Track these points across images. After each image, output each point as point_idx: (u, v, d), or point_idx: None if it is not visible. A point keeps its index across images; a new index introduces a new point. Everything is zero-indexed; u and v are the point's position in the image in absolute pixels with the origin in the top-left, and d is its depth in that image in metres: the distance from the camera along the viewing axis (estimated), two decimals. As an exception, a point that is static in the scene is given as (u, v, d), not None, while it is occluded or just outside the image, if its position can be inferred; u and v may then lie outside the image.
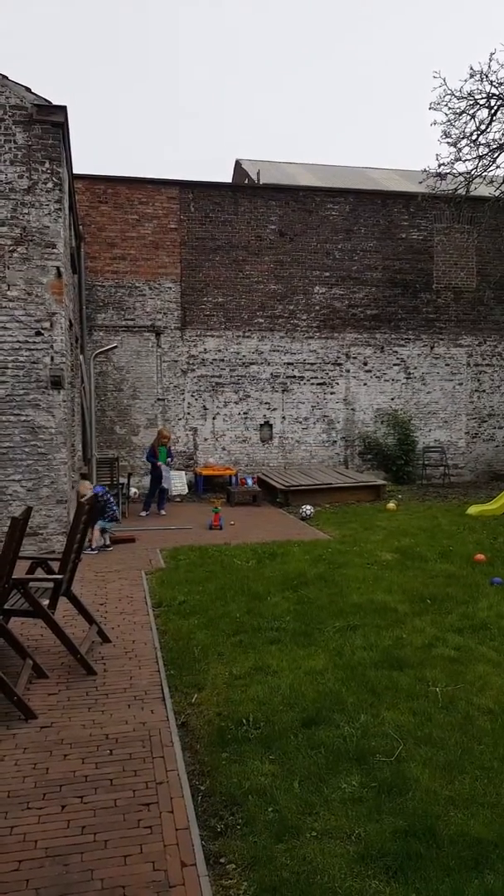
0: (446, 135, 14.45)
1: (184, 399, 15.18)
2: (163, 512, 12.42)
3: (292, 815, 3.38)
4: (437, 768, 3.79)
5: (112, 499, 10.07)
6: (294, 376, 15.72)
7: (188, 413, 15.22)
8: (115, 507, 9.91)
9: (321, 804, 3.48)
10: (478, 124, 14.22)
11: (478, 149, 14.40)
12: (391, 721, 4.31)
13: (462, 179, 14.56)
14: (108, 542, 9.55)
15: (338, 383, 15.98)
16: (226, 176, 22.00)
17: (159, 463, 12.28)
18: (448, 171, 14.46)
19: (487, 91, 13.85)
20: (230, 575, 7.92)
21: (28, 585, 5.22)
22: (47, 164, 8.92)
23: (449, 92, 14.02)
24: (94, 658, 5.41)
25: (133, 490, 13.76)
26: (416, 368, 16.46)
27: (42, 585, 5.69)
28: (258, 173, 16.98)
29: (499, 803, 3.47)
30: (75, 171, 12.07)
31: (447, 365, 16.66)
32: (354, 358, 16.04)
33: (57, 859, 3.06)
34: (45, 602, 5.35)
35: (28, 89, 8.87)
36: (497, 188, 14.77)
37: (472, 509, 12.07)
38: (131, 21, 62.97)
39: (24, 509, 5.42)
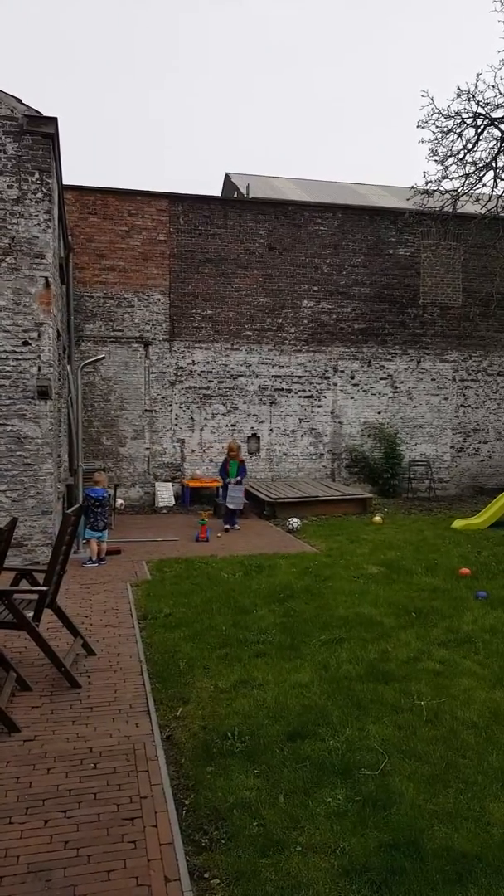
0: (434, 153, 14.67)
1: (171, 410, 15.17)
2: (237, 527, 11.96)
3: (277, 830, 3.37)
4: (421, 782, 3.79)
5: (100, 508, 9.51)
6: (282, 389, 15.77)
7: (176, 424, 15.21)
8: (97, 516, 9.39)
9: (306, 818, 3.47)
10: (465, 143, 14.46)
11: (464, 167, 14.63)
12: (376, 735, 4.32)
13: (449, 197, 14.77)
14: (94, 558, 9.24)
15: (325, 396, 16.06)
16: (215, 190, 22.17)
17: (229, 480, 12.10)
18: (435, 188, 14.66)
19: (474, 111, 14.09)
20: (216, 587, 7.90)
21: (12, 597, 5.18)
22: (37, 175, 8.95)
23: (437, 111, 14.26)
24: (79, 671, 5.37)
25: (119, 501, 13.69)
26: (402, 383, 16.58)
27: (27, 597, 5.65)
28: (247, 187, 17.12)
29: (482, 817, 3.48)
30: (65, 181, 12.11)
31: (433, 380, 16.80)
32: (342, 371, 16.14)
33: (39, 875, 3.02)
34: (30, 614, 5.31)
35: (19, 100, 8.91)
36: (483, 206, 14.98)
37: (458, 523, 12.14)
38: (126, 38, 63.42)
39: (10, 520, 5.40)
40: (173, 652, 5.81)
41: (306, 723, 4.47)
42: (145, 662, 5.62)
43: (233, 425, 15.51)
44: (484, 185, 14.85)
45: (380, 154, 56.82)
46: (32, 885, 2.95)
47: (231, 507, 12.04)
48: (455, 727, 4.44)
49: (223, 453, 15.33)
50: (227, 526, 11.99)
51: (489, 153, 14.61)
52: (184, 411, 15.25)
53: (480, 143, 14.47)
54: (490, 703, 4.81)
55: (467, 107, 14.18)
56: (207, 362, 15.30)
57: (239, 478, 12.17)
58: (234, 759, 4.04)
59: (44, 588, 5.42)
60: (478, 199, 15.09)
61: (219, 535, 11.32)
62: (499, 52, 20.64)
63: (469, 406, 17.13)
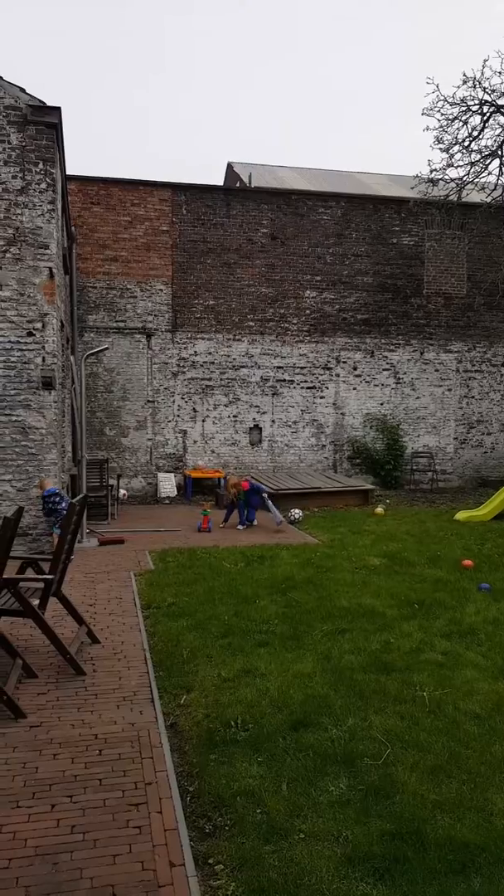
0: (439, 140, 14.55)
1: (174, 401, 15.18)
2: (255, 523, 11.47)
3: (280, 817, 3.41)
4: (424, 772, 3.82)
5: (63, 502, 8.65)
6: (284, 380, 15.76)
7: (178, 415, 15.22)
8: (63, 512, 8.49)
9: (309, 806, 3.50)
10: (470, 131, 14.34)
11: (470, 155, 14.52)
12: (379, 725, 4.34)
13: (454, 185, 14.67)
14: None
15: (327, 387, 16.04)
16: (218, 179, 22.04)
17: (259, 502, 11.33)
18: (440, 176, 14.56)
19: (480, 98, 13.97)
20: (219, 577, 7.93)
21: (18, 585, 5.22)
22: (41, 165, 8.92)
23: (442, 98, 14.12)
24: (84, 658, 5.41)
25: (122, 492, 13.73)
26: (405, 374, 16.55)
27: (32, 585, 5.68)
28: (250, 176, 17.04)
29: (485, 808, 3.51)
30: (68, 171, 12.07)
31: (436, 370, 16.76)
32: (344, 362, 16.11)
33: (46, 858, 3.07)
34: (36, 602, 5.35)
35: (23, 90, 8.86)
36: (489, 195, 14.88)
37: (461, 515, 12.15)
38: (131, 28, 62.96)
39: (16, 509, 5.43)
40: (176, 641, 5.85)
41: (309, 712, 4.50)
42: (149, 651, 5.66)
43: (235, 416, 15.52)
44: (490, 173, 14.73)
45: (387, 143, 56.48)
46: (40, 868, 3.00)
47: (278, 521, 11.27)
48: (458, 718, 4.46)
49: (224, 444, 15.37)
50: (241, 525, 11.40)
51: (495, 141, 14.50)
52: (186, 402, 15.25)
53: (486, 130, 14.36)
54: (493, 694, 4.84)
55: (473, 94, 14.07)
56: (210, 353, 15.29)
57: (264, 495, 11.50)
58: (238, 748, 4.07)
59: (49, 576, 5.45)
60: (483, 188, 14.97)
61: (221, 525, 11.34)
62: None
63: (473, 397, 17.10)
